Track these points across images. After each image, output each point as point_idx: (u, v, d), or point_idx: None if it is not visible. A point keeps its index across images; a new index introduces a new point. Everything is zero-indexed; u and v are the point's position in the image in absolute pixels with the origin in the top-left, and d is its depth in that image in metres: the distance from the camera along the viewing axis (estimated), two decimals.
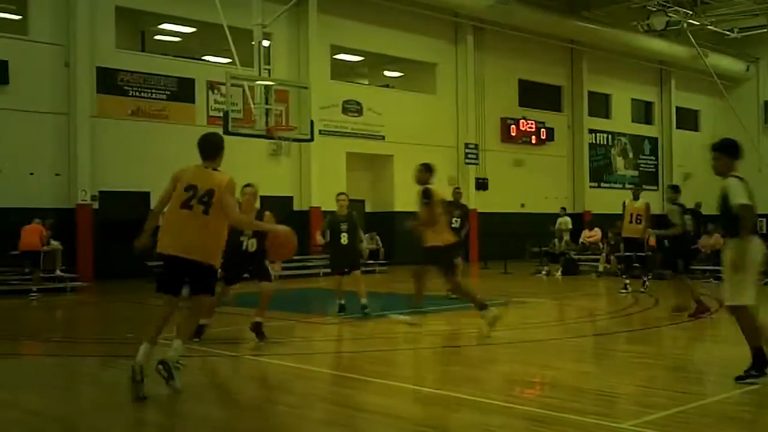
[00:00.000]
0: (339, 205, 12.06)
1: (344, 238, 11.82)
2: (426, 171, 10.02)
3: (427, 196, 9.69)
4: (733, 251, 6.78)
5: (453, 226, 12.62)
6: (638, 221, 14.97)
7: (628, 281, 15.56)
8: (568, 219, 24.05)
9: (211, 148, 6.94)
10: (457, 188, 15.93)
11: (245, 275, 9.67)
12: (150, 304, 14.72)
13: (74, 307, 15.63)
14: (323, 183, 23.22)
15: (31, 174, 19.07)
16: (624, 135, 34.90)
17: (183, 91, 21.48)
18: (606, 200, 30.98)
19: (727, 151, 7.03)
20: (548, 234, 23.57)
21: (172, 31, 23.85)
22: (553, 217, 24.59)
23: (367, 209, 26.20)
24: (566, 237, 23.14)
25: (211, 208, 6.64)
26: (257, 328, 9.52)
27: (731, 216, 6.78)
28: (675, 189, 12.34)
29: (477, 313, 9.73)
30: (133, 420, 6.08)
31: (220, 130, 17.46)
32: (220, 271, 7.34)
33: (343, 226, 11.87)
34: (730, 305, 6.92)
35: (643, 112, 36.52)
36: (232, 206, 6.78)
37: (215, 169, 6.87)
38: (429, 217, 9.67)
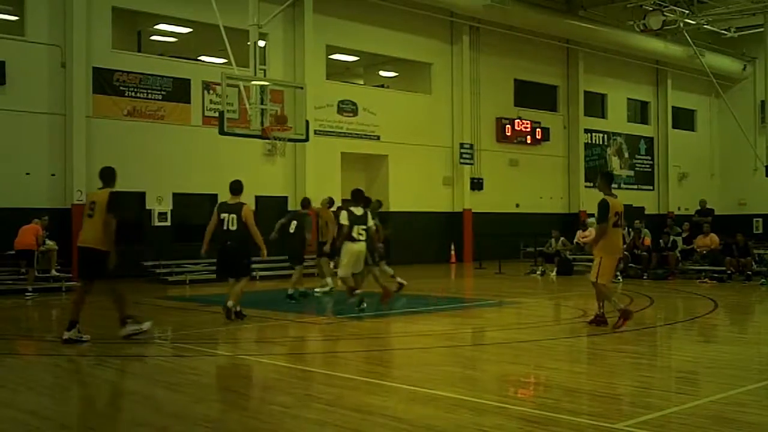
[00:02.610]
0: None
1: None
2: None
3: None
4: None
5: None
6: None
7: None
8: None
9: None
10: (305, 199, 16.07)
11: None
12: (146, 304, 14.72)
13: (70, 306, 15.56)
14: (318, 183, 23.21)
15: (27, 174, 19.04)
16: (620, 135, 34.89)
17: (179, 91, 21.46)
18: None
19: None
20: (543, 234, 23.48)
21: (168, 31, 23.82)
22: (548, 217, 24.52)
23: None
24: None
25: None
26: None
27: None
28: (379, 203, 14.55)
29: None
30: (128, 420, 6.08)
31: (215, 130, 17.60)
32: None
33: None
34: None
35: (639, 111, 36.51)
36: None
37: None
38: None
